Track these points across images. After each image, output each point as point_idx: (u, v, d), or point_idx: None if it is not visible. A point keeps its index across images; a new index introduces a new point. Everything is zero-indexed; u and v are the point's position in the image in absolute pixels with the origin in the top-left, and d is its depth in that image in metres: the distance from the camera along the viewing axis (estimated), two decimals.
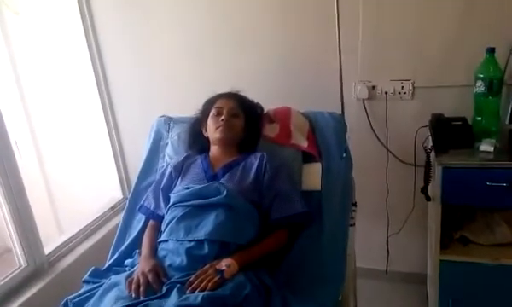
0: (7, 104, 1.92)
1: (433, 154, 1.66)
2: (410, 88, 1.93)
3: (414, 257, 2.22)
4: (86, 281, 1.46)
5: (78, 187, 2.60)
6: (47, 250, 1.94)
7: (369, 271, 2.27)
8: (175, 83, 2.30)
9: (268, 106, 1.79)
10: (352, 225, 1.67)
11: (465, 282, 1.66)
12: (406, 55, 1.91)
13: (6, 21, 2.39)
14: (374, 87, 1.98)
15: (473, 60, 1.68)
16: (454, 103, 1.85)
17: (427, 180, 1.73)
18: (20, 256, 1.81)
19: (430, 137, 1.77)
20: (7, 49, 2.42)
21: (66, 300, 1.34)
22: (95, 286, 1.38)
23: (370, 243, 2.20)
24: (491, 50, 1.61)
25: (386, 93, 1.96)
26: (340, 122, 1.73)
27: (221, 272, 1.24)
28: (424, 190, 1.76)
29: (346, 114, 1.84)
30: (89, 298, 1.30)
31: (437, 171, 1.56)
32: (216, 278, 1.21)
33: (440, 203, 1.58)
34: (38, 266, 1.86)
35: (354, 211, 1.73)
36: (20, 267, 1.81)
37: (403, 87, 1.94)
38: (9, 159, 1.76)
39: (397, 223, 2.14)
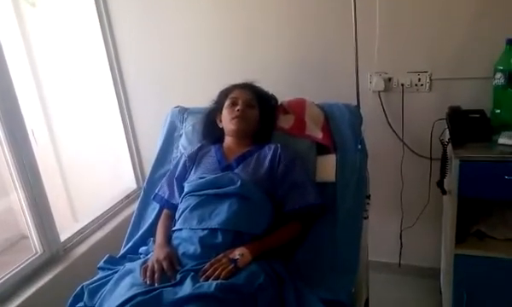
0: (24, 93, 1.94)
1: (449, 147, 1.64)
2: (427, 80, 1.90)
3: (428, 250, 2.20)
4: (101, 268, 1.48)
5: (93, 176, 2.63)
6: (62, 237, 1.97)
7: (382, 264, 2.26)
8: (189, 73, 2.30)
9: (283, 97, 1.78)
10: (365, 218, 1.66)
11: (480, 277, 1.63)
12: (423, 46, 1.88)
13: (23, 13, 2.41)
14: (390, 79, 1.95)
15: (492, 51, 1.65)
16: (472, 96, 1.81)
17: (443, 173, 1.71)
18: (36, 242, 1.84)
19: (447, 130, 1.75)
20: (23, 39, 2.45)
21: (82, 286, 1.36)
22: (110, 273, 1.39)
23: (384, 236, 2.18)
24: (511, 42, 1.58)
25: (402, 85, 1.93)
26: (355, 114, 1.71)
27: (234, 261, 1.24)
28: (440, 184, 1.74)
29: (361, 106, 1.82)
30: (104, 285, 1.32)
31: (454, 165, 1.54)
32: (229, 267, 1.22)
33: (457, 196, 1.55)
34: (54, 253, 1.89)
35: (368, 203, 1.71)
36: (36, 253, 1.84)
37: (420, 79, 1.91)
38: (26, 147, 1.78)
39: (411, 216, 2.12)
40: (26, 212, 1.81)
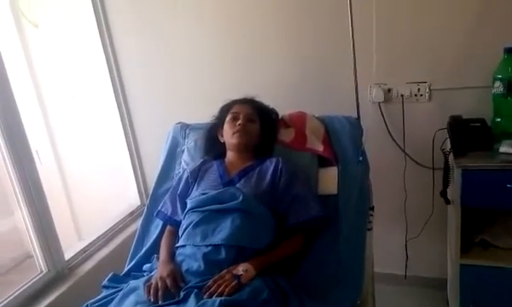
0: (27, 114, 1.96)
1: (451, 157, 1.64)
2: (427, 90, 1.91)
3: (433, 261, 2.19)
4: (105, 286, 1.48)
5: (97, 194, 2.64)
6: (67, 256, 1.97)
7: (388, 276, 2.24)
8: (191, 90, 2.32)
9: (283, 111, 1.80)
10: (369, 229, 1.66)
11: (486, 286, 1.62)
12: (422, 57, 1.89)
13: (26, 34, 2.45)
14: (389, 90, 1.96)
15: (491, 60, 1.65)
16: (472, 105, 1.81)
17: (446, 183, 1.71)
18: (41, 261, 1.85)
19: (448, 140, 1.75)
20: (26, 60, 2.49)
21: (87, 305, 1.36)
22: (114, 291, 1.39)
23: (389, 248, 2.17)
24: (510, 50, 1.59)
25: (402, 96, 1.94)
26: (356, 126, 1.72)
27: (238, 277, 1.24)
28: (443, 193, 1.73)
29: (361, 118, 1.82)
30: (108, 303, 1.32)
31: (456, 174, 1.54)
32: (233, 283, 1.22)
33: (460, 206, 1.55)
34: (59, 271, 1.89)
35: (372, 215, 1.71)
36: (41, 272, 1.84)
37: (419, 89, 1.92)
38: (31, 168, 1.79)
39: (415, 227, 2.11)
40: (31, 231, 1.81)
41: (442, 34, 1.83)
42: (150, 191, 1.89)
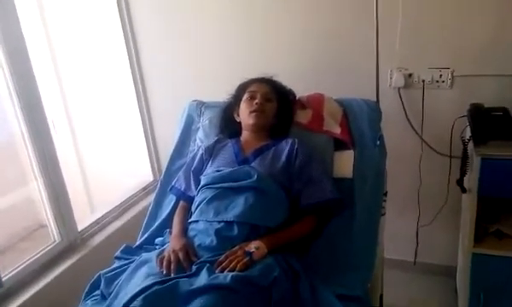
0: (45, 85, 1.96)
1: (470, 145, 1.61)
2: (449, 77, 1.87)
3: (443, 249, 2.18)
4: (118, 258, 1.49)
5: (110, 168, 2.66)
6: (80, 227, 1.99)
7: (397, 262, 2.23)
8: (207, 67, 2.30)
9: (301, 92, 1.77)
10: (382, 215, 1.65)
11: (498, 277, 1.61)
12: (446, 42, 1.84)
13: (43, 3, 2.44)
14: (410, 75, 1.92)
15: None
16: (495, 93, 1.78)
17: (463, 171, 1.68)
18: (54, 231, 1.87)
19: (468, 128, 1.71)
20: (44, 30, 2.48)
21: (99, 274, 1.38)
22: (126, 262, 1.41)
23: (399, 234, 2.16)
24: None
25: (423, 81, 1.90)
26: (374, 109, 1.69)
27: (250, 254, 1.24)
28: (460, 182, 1.71)
29: (380, 103, 1.79)
30: (120, 274, 1.33)
31: (475, 162, 1.51)
32: (245, 259, 1.21)
33: (476, 195, 1.53)
34: (72, 242, 1.92)
35: (385, 200, 1.70)
36: (54, 242, 1.87)
37: (441, 75, 1.87)
38: (47, 138, 1.81)
39: (428, 214, 2.09)
40: (45, 201, 1.84)
41: (467, 19, 1.79)
42: (163, 167, 1.89)
